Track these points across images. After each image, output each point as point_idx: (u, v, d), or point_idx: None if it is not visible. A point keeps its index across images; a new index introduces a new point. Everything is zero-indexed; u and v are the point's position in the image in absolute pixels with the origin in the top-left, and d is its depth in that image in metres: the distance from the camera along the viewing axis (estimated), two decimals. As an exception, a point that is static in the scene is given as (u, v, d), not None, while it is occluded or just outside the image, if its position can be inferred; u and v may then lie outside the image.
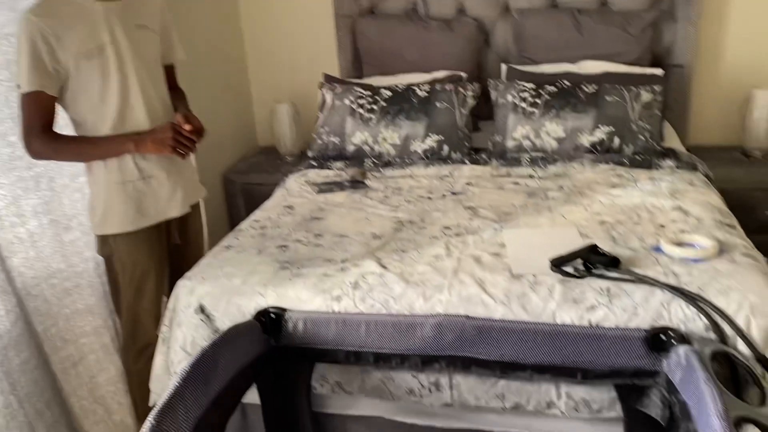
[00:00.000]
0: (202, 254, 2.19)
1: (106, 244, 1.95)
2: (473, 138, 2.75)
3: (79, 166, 2.11)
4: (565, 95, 2.54)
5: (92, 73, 1.79)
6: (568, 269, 1.64)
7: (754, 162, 2.83)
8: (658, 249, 1.74)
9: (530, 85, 2.61)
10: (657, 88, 2.55)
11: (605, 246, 1.76)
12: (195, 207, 2.13)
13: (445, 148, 2.62)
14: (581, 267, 1.63)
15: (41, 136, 1.76)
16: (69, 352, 2.07)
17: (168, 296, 2.04)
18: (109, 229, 1.92)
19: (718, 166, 2.71)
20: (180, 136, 1.87)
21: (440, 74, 2.91)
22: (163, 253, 2.03)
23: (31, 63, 1.71)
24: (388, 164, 2.59)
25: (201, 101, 2.79)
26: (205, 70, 3.03)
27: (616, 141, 2.46)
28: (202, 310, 1.72)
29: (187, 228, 2.11)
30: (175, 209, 2.01)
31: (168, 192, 1.98)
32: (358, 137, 2.68)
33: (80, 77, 1.79)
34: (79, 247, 2.13)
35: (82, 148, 1.85)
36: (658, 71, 2.75)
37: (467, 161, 2.55)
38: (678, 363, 1.37)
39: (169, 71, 2.10)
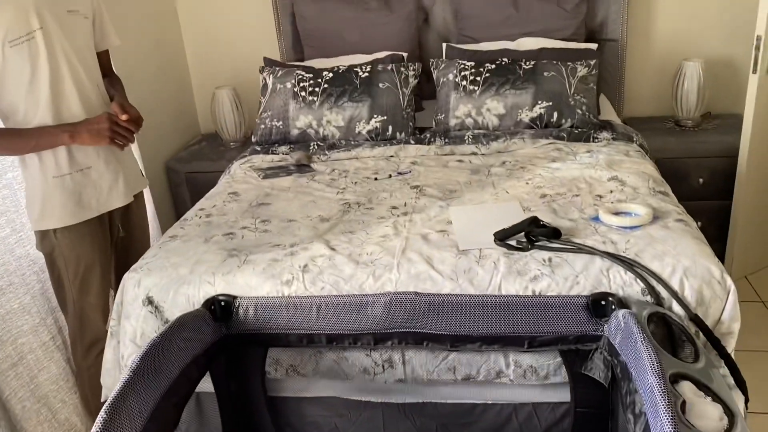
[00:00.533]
0: (148, 245, 2.16)
1: (46, 239, 1.90)
2: (417, 117, 2.77)
3: (6, 162, 2.04)
4: (505, 72, 2.58)
5: (21, 61, 1.73)
6: (512, 242, 1.68)
7: (686, 131, 2.95)
8: (596, 219, 1.81)
9: (470, 63, 2.64)
10: (592, 62, 2.63)
11: (546, 218, 1.81)
12: (138, 197, 2.09)
13: (390, 128, 2.64)
14: (524, 239, 1.68)
15: None
16: (7, 352, 2.01)
17: (115, 290, 2.01)
18: (49, 223, 1.87)
19: (652, 136, 2.82)
20: (117, 126, 1.83)
21: (381, 55, 2.91)
22: (107, 245, 1.99)
23: None
24: (333, 147, 2.59)
25: (138, 89, 2.73)
26: (142, 57, 2.95)
27: (555, 116, 2.52)
28: (150, 301, 1.70)
29: (131, 219, 2.07)
30: (117, 200, 1.97)
31: (108, 182, 1.94)
32: (301, 121, 2.67)
33: (7, 65, 1.73)
34: (9, 244, 2.06)
35: (13, 141, 1.79)
36: (593, 46, 2.83)
37: (412, 141, 2.58)
38: (618, 326, 1.44)
39: (104, 57, 2.05)
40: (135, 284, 1.72)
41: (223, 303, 1.63)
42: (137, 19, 2.95)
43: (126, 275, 1.75)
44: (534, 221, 1.72)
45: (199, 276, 1.69)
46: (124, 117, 1.84)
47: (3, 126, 1.83)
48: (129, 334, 1.72)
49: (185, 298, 1.68)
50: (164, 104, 3.16)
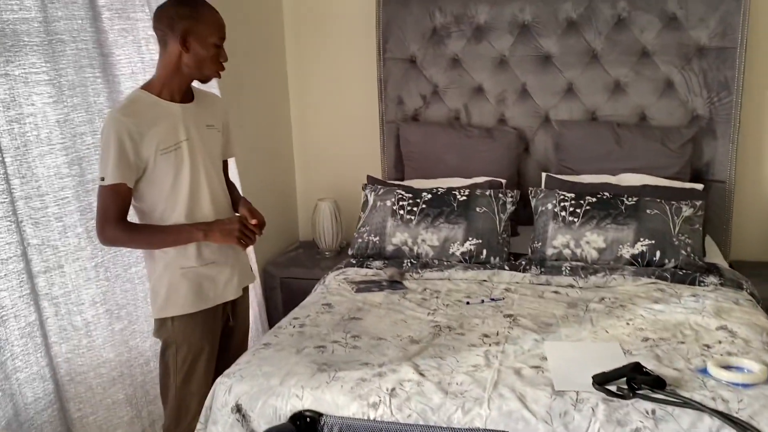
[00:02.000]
0: (246, 339, 2.25)
1: (164, 327, 2.01)
2: (513, 243, 2.77)
3: (131, 257, 2.19)
4: (606, 206, 2.56)
5: (167, 167, 1.93)
6: (612, 388, 1.60)
7: (800, 281, 2.77)
8: (704, 371, 1.70)
9: (570, 195, 2.65)
10: (698, 203, 2.57)
11: (649, 364, 1.72)
12: (245, 290, 2.21)
13: (484, 252, 2.64)
14: (625, 386, 1.60)
15: (117, 224, 1.88)
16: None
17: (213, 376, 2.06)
18: (170, 311, 1.99)
19: (762, 283, 2.66)
20: (246, 229, 1.99)
21: (480, 180, 2.98)
22: (217, 335, 2.09)
23: (117, 157, 1.84)
24: (426, 266, 2.61)
25: (247, 193, 2.90)
26: (253, 165, 3.16)
27: (658, 254, 2.45)
28: (238, 409, 1.71)
29: (237, 309, 2.18)
30: (230, 293, 2.09)
31: (226, 277, 2.06)
32: (398, 237, 2.72)
33: (156, 170, 1.92)
34: (125, 336, 2.18)
35: (154, 236, 1.95)
36: (699, 186, 2.77)
37: (506, 267, 2.56)
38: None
39: (224, 165, 2.23)
40: (226, 390, 1.75)
41: (308, 419, 1.62)
42: (255, 131, 3.20)
43: (218, 380, 1.79)
44: (637, 367, 1.64)
45: (289, 388, 1.71)
46: (253, 221, 2.01)
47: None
48: (213, 439, 1.73)
49: (273, 409, 1.69)
50: (269, 209, 3.29)
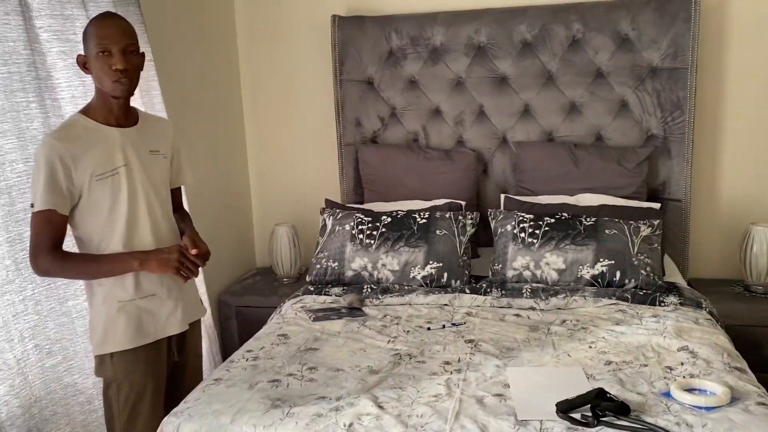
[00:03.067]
0: (200, 375, 2.13)
1: (103, 364, 1.90)
2: (473, 264, 2.73)
3: (69, 290, 2.07)
4: (564, 227, 2.55)
5: (103, 194, 1.83)
6: (576, 416, 1.55)
7: (757, 298, 2.80)
8: (668, 394, 1.67)
9: (529, 216, 2.63)
10: (656, 222, 2.57)
11: (613, 389, 1.69)
12: (194, 325, 2.11)
13: (445, 275, 2.60)
14: (589, 414, 1.55)
15: (50, 253, 1.77)
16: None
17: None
18: (108, 348, 1.88)
19: (720, 300, 2.68)
20: (185, 259, 1.87)
21: (440, 202, 2.94)
22: (162, 371, 1.98)
23: (47, 183, 1.74)
24: (386, 291, 2.55)
25: (201, 220, 2.80)
26: (207, 190, 3.07)
27: (618, 275, 2.44)
28: (186, 450, 1.61)
29: (185, 347, 2.07)
30: (173, 327, 1.98)
31: (168, 310, 1.96)
32: (357, 263, 2.66)
33: (91, 197, 1.82)
34: (58, 372, 2.05)
35: (87, 265, 1.85)
36: (656, 205, 2.78)
37: (467, 290, 2.52)
38: None
39: (176, 193, 2.15)
40: (173, 430, 1.65)
41: (261, 459, 1.53)
42: (207, 156, 3.11)
43: (165, 419, 1.69)
44: (600, 393, 1.61)
45: (240, 427, 1.62)
46: (193, 251, 1.89)
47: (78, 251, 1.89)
48: (160, 484, 1.62)
49: (223, 449, 1.59)
50: (224, 236, 3.23)
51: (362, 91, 3.17)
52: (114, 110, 1.87)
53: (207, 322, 2.79)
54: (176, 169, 2.10)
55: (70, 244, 1.94)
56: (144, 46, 2.40)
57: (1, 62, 1.90)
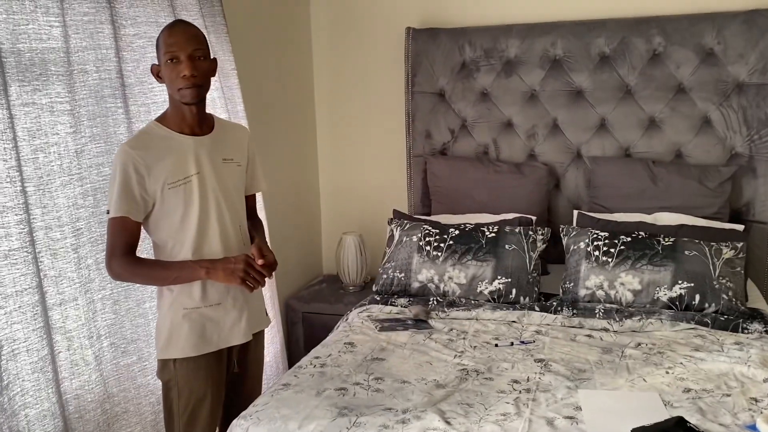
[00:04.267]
0: (260, 385, 2.14)
1: (166, 368, 1.94)
2: (543, 282, 2.67)
3: (145, 293, 2.14)
4: (641, 246, 2.46)
5: (176, 201, 1.87)
6: (653, 444, 1.49)
7: None
8: (753, 427, 1.58)
9: (604, 234, 2.55)
10: (739, 245, 2.45)
11: (692, 419, 1.61)
12: (257, 335, 2.10)
13: (514, 291, 2.55)
14: (668, 443, 1.48)
15: (122, 258, 1.82)
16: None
17: (221, 427, 1.98)
18: (171, 353, 1.91)
19: (809, 330, 2.52)
20: (251, 269, 1.87)
21: (509, 216, 2.89)
22: (221, 380, 2.00)
23: (121, 190, 1.80)
24: (452, 304, 2.52)
25: (271, 226, 2.86)
26: (279, 197, 3.12)
27: (697, 298, 2.33)
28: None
29: (248, 356, 2.08)
30: (237, 337, 1.99)
31: (233, 320, 1.97)
32: (424, 274, 2.64)
33: (164, 205, 1.86)
34: (133, 372, 2.12)
35: (156, 272, 1.89)
36: (739, 227, 2.65)
37: (537, 307, 2.46)
38: None
39: (250, 200, 2.17)
40: (242, 432, 1.68)
41: (328, 468, 1.53)
42: (281, 165, 3.17)
43: (235, 422, 1.72)
44: (680, 422, 1.53)
45: (308, 433, 1.62)
46: (260, 262, 1.89)
47: (153, 258, 1.95)
48: (227, 485, 1.65)
49: (290, 455, 1.60)
50: (293, 243, 3.29)
51: (433, 103, 3.17)
52: (187, 118, 1.89)
53: (277, 327, 2.83)
54: (251, 176, 2.11)
55: (149, 248, 2.01)
56: (227, 55, 2.48)
57: (93, 69, 1.99)
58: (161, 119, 1.92)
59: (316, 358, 2.09)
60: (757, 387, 1.81)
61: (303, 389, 1.85)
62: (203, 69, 1.85)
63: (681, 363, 1.97)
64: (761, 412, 1.64)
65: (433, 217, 3.02)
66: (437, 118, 3.17)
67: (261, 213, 2.60)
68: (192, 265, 1.87)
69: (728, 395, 1.76)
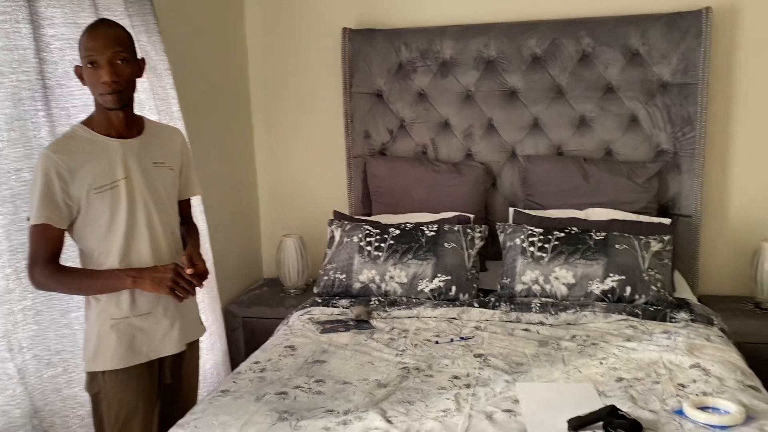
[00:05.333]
0: (195, 394, 2.09)
1: (94, 381, 1.87)
2: (481, 278, 2.72)
3: (72, 302, 2.05)
4: (574, 241, 2.53)
5: (102, 207, 1.80)
6: (587, 433, 1.53)
7: (768, 315, 2.77)
8: (680, 412, 1.65)
9: (538, 230, 2.61)
10: (666, 237, 2.55)
11: (624, 406, 1.67)
12: (192, 344, 2.05)
13: (453, 289, 2.58)
14: (601, 431, 1.53)
15: (45, 267, 1.74)
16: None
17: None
18: (99, 365, 1.84)
19: (731, 317, 2.65)
20: (180, 278, 1.81)
21: (448, 215, 2.93)
22: (153, 392, 1.93)
23: (42, 197, 1.72)
24: (394, 303, 2.54)
25: (209, 230, 2.80)
26: (216, 201, 3.06)
27: (628, 290, 2.42)
28: (192, 462, 1.60)
29: (182, 367, 2.01)
30: (169, 348, 1.93)
31: (164, 329, 1.91)
32: (365, 275, 2.65)
33: (90, 211, 1.79)
34: (58, 383, 2.03)
35: (81, 281, 1.82)
36: (666, 221, 2.77)
37: (476, 304, 2.50)
38: None
39: (185, 206, 2.10)
40: (180, 441, 1.63)
41: (268, 473, 1.51)
42: (218, 166, 3.11)
43: (171, 431, 1.67)
44: (612, 410, 1.58)
45: (247, 439, 1.60)
46: (189, 270, 1.82)
47: (79, 266, 1.88)
48: (165, 497, 1.61)
49: (229, 462, 1.57)
50: (232, 247, 3.23)
51: (371, 104, 3.18)
52: (114, 121, 1.83)
53: (218, 333, 2.77)
54: (185, 180, 2.05)
55: (74, 256, 1.93)
56: (160, 55, 2.41)
57: (10, 70, 1.89)
58: (87, 122, 1.85)
59: (256, 363, 2.06)
60: (684, 373, 1.89)
61: (242, 395, 1.82)
62: (125, 73, 1.78)
63: (614, 353, 2.04)
64: (688, 398, 1.71)
65: (373, 218, 3.02)
66: (376, 118, 3.18)
67: (200, 219, 2.54)
68: (118, 274, 1.80)
69: (657, 382, 1.83)
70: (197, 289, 1.89)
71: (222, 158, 3.16)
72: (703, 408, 1.65)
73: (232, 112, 3.28)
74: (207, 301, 2.68)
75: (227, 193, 3.20)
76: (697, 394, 1.74)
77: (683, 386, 1.80)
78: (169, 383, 1.98)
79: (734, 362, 1.96)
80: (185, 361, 2.01)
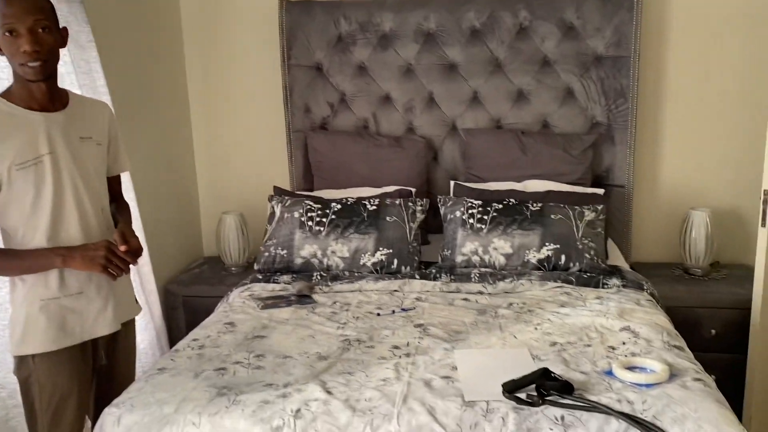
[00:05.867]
0: (132, 376, 2.04)
1: (23, 364, 1.80)
2: (423, 251, 2.74)
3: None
4: (512, 212, 2.58)
5: (26, 184, 1.72)
6: (521, 395, 1.58)
7: (696, 280, 2.90)
8: (610, 373, 1.71)
9: (478, 202, 2.65)
10: (599, 207, 2.63)
11: (557, 369, 1.72)
12: (127, 324, 2.00)
13: (395, 262, 2.60)
14: (534, 393, 1.58)
15: None
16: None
17: (93, 422, 1.88)
18: (28, 348, 1.78)
19: (661, 283, 2.76)
20: (113, 256, 1.76)
21: (390, 189, 2.94)
22: (87, 374, 1.88)
23: None
24: (336, 278, 2.54)
25: (145, 208, 2.73)
26: (152, 178, 2.98)
27: (563, 259, 2.49)
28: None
29: (117, 346, 1.97)
30: (103, 328, 1.88)
31: (97, 309, 1.86)
32: (306, 250, 2.63)
33: (13, 188, 1.71)
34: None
35: (6, 260, 1.74)
36: (600, 191, 2.85)
37: (417, 276, 2.53)
38: (638, 501, 1.30)
39: (114, 182, 2.04)
40: (114, 421, 1.60)
41: (206, 448, 1.50)
42: (153, 142, 3.02)
43: (106, 410, 1.64)
44: (545, 373, 1.63)
45: (184, 416, 1.58)
46: (122, 248, 1.77)
47: (2, 246, 1.80)
48: (101, 477, 1.58)
49: (167, 439, 1.55)
50: (169, 224, 3.16)
51: (311, 77, 3.13)
52: (36, 94, 1.74)
53: (155, 314, 2.72)
54: (113, 156, 1.98)
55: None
56: (82, 26, 2.31)
57: None
58: (6, 94, 1.75)
59: (194, 340, 2.03)
60: (614, 336, 1.96)
61: (180, 372, 1.79)
62: (48, 43, 1.69)
63: (548, 319, 2.10)
64: (617, 359, 1.78)
65: (315, 193, 3.01)
66: (316, 92, 3.15)
67: (129, 195, 2.47)
68: (47, 253, 1.74)
69: (589, 345, 1.89)
70: (131, 267, 1.84)
71: (156, 134, 3.06)
72: (631, 368, 1.72)
73: (166, 87, 3.18)
74: (140, 279, 2.61)
75: (163, 170, 3.12)
76: (625, 355, 1.81)
77: (613, 348, 1.87)
78: (104, 364, 1.94)
79: (661, 324, 2.04)
80: (120, 341, 1.97)
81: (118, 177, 2.07)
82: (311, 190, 3.12)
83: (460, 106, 3.09)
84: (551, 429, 1.47)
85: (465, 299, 2.33)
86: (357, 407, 1.58)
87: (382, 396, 1.63)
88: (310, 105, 3.16)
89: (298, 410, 1.57)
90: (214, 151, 3.40)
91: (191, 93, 3.35)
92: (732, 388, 2.65)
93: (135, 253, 1.82)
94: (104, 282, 1.85)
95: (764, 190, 2.42)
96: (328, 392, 1.65)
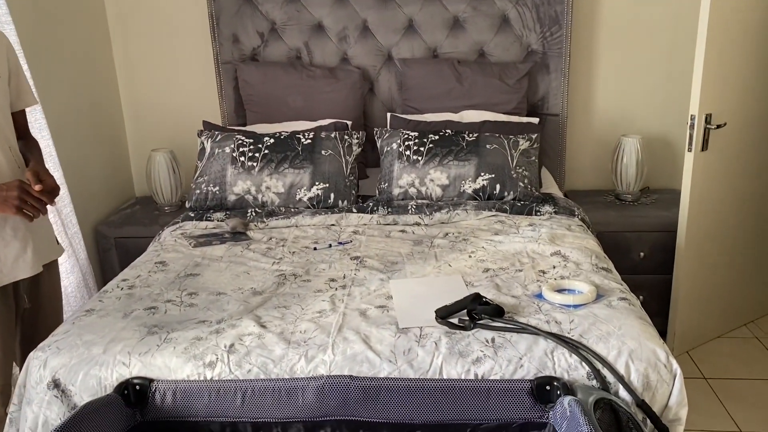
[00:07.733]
0: (60, 319, 1.98)
1: None
2: (361, 185, 2.72)
3: None
4: (448, 143, 2.57)
5: None
6: (454, 320, 1.60)
7: (626, 205, 2.99)
8: (540, 296, 1.75)
9: (414, 134, 2.62)
10: (533, 136, 2.64)
11: (489, 294, 1.75)
12: (50, 266, 1.92)
13: (332, 196, 2.57)
14: (466, 318, 1.60)
15: None
16: None
17: (20, 368, 1.82)
18: None
19: (593, 209, 2.84)
20: (28, 196, 1.67)
21: (325, 122, 2.87)
22: (11, 318, 1.81)
23: None
24: (272, 214, 2.50)
25: (70, 148, 2.60)
26: (75, 115, 2.82)
27: (498, 188, 2.51)
28: (56, 384, 1.53)
29: (40, 290, 1.89)
30: (23, 270, 1.79)
31: (16, 252, 1.77)
32: (240, 186, 2.57)
33: None
34: None
35: None
36: (534, 120, 2.86)
37: (354, 209, 2.51)
38: (563, 414, 1.36)
39: (20, 118, 1.90)
40: (40, 365, 1.55)
41: (137, 387, 1.48)
42: (72, 77, 2.84)
43: (31, 354, 1.58)
44: (476, 298, 1.65)
45: (114, 356, 1.54)
46: (37, 187, 1.67)
47: None
48: (30, 422, 1.54)
49: (96, 380, 1.52)
50: (97, 165, 3.02)
51: (238, 5, 2.99)
52: None
53: (81, 255, 2.62)
54: (15, 89, 1.84)
55: None
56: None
57: None
58: None
59: (124, 280, 1.97)
60: (545, 261, 2.00)
61: (108, 313, 1.74)
62: None
63: (482, 247, 2.13)
64: (546, 282, 1.82)
65: (248, 128, 2.91)
66: (244, 20, 3.01)
67: (43, 133, 2.33)
68: None
69: (520, 270, 1.93)
70: (49, 207, 1.75)
71: (75, 69, 2.88)
72: (560, 290, 1.77)
73: (81, 16, 2.97)
74: (62, 221, 2.50)
75: (84, 106, 2.95)
76: (555, 279, 1.86)
77: (544, 272, 1.91)
78: (28, 308, 1.86)
79: (591, 248, 2.10)
80: (43, 283, 1.89)
81: (23, 112, 1.92)
82: (244, 125, 3.02)
83: (395, 35, 3.01)
84: (482, 351, 1.50)
85: (402, 231, 2.34)
86: (292, 339, 1.57)
87: (317, 327, 1.62)
88: (238, 35, 3.02)
89: (232, 345, 1.56)
90: (139, 86, 3.23)
91: (110, 23, 3.14)
92: (659, 307, 2.80)
93: (51, 192, 1.72)
94: (20, 223, 1.76)
95: (691, 116, 2.48)
96: (263, 326, 1.64)
